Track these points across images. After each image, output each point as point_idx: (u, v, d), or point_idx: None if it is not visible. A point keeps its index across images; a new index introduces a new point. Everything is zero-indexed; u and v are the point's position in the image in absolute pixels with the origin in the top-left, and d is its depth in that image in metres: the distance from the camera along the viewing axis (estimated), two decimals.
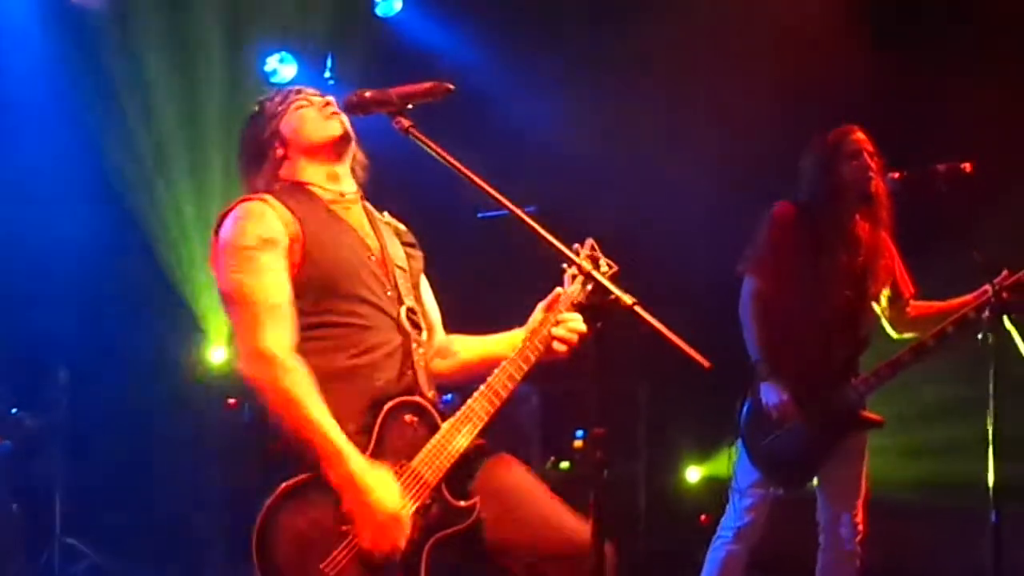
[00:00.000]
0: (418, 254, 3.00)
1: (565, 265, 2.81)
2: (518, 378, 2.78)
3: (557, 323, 2.83)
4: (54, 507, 5.40)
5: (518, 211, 2.52)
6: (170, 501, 5.95)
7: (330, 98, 2.91)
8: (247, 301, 2.65)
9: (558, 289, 2.88)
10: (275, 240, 2.69)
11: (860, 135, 4.16)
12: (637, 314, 2.36)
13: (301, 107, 2.90)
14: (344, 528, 2.57)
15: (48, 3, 5.97)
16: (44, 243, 5.76)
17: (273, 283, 2.66)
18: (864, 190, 4.12)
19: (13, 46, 5.91)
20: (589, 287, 2.64)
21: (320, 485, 2.58)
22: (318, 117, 2.87)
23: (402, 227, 3.02)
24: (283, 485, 2.57)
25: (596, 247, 2.89)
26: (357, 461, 2.57)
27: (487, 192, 2.55)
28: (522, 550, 2.72)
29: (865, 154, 4.12)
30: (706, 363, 2.33)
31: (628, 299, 2.39)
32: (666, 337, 2.33)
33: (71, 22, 6.00)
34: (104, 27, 6.06)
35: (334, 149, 2.88)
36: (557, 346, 2.83)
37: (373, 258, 2.82)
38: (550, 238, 2.51)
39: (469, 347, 3.03)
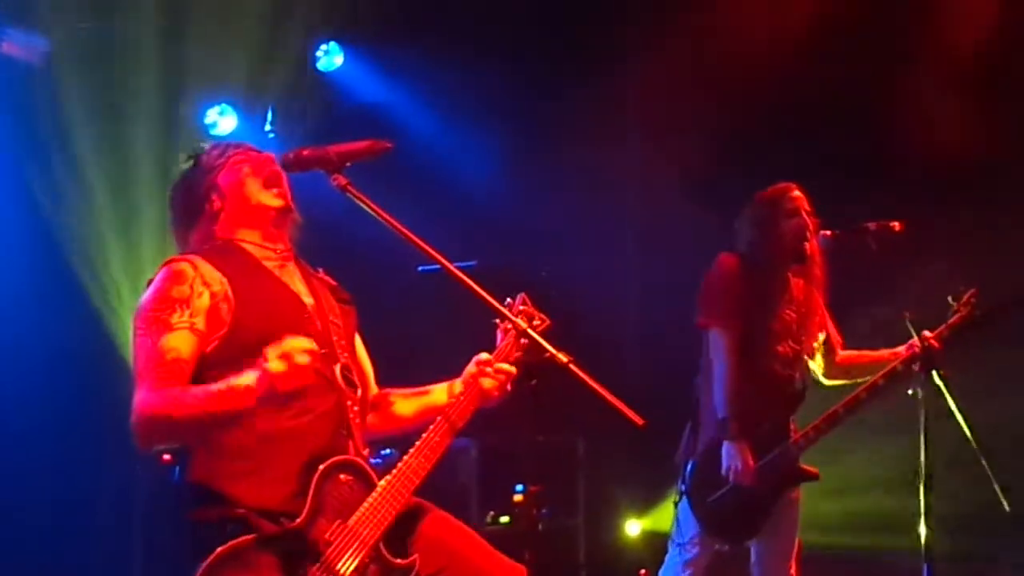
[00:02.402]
0: (352, 310, 3.00)
1: (497, 320, 2.84)
2: (454, 431, 2.78)
3: (487, 374, 2.83)
4: None
5: (451, 267, 2.55)
6: (101, 561, 5.80)
7: (270, 155, 2.90)
8: (140, 364, 2.64)
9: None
10: (189, 300, 2.67)
11: (797, 193, 4.22)
12: (572, 371, 2.38)
13: (241, 163, 2.89)
14: None
15: None
16: None
17: (169, 343, 2.63)
18: (800, 249, 4.18)
19: None
20: (523, 340, 2.66)
21: (255, 548, 2.55)
22: (259, 184, 2.86)
23: (335, 284, 3.02)
24: (219, 549, 2.52)
25: (527, 301, 2.91)
26: (249, 379, 2.53)
27: (422, 248, 2.57)
28: None
29: (803, 212, 4.19)
30: (639, 420, 2.36)
31: (563, 357, 2.42)
32: (600, 394, 2.35)
33: (8, 75, 5.93)
34: (36, 78, 6.00)
35: (273, 219, 2.87)
36: (488, 391, 2.82)
37: (308, 315, 2.81)
38: (483, 293, 2.53)
39: (403, 401, 3.01)
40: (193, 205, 2.89)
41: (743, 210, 4.29)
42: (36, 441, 5.56)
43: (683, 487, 4.18)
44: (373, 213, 2.61)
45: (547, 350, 2.44)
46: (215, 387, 2.56)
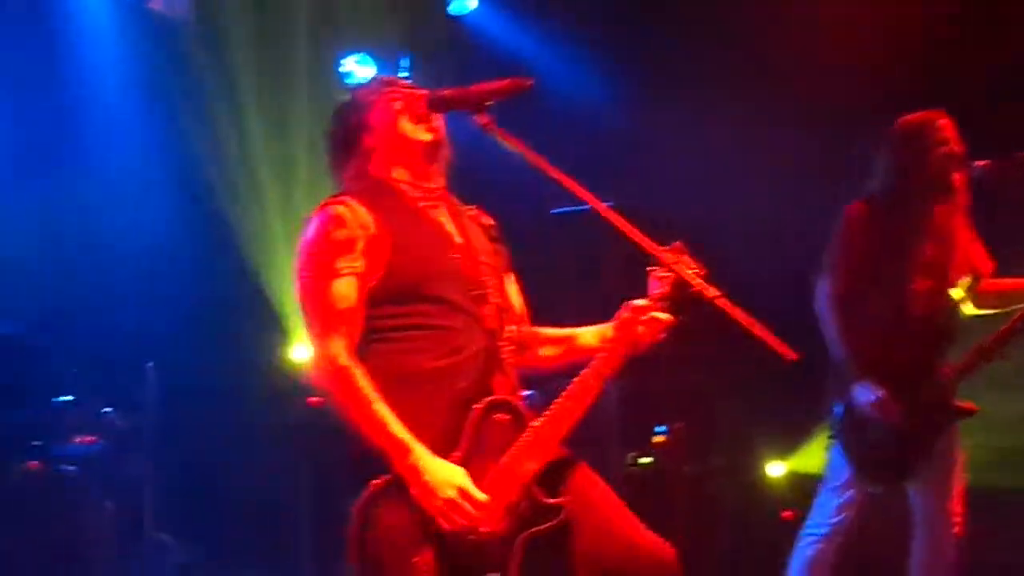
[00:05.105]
0: (504, 249, 3.00)
1: (651, 267, 2.81)
2: (608, 375, 2.78)
3: (643, 321, 2.81)
4: (145, 504, 5.51)
5: (604, 207, 2.53)
6: (257, 497, 6.05)
7: (424, 92, 2.89)
8: (311, 309, 2.70)
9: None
10: (352, 244, 2.71)
11: (945, 121, 4.07)
12: (721, 306, 2.36)
13: (393, 100, 2.90)
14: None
15: (134, 15, 6.12)
16: (134, 246, 5.90)
17: (342, 288, 2.68)
18: (947, 179, 4.05)
19: (103, 58, 6.08)
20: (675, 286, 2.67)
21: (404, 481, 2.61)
22: (411, 120, 2.87)
23: (489, 221, 3.03)
24: (374, 484, 2.60)
25: (683, 248, 2.85)
26: (416, 452, 2.59)
27: (572, 187, 2.56)
28: (597, 559, 2.72)
29: (951, 141, 4.05)
30: (792, 354, 2.32)
31: (712, 291, 2.40)
32: (751, 328, 2.32)
33: (158, 32, 6.15)
34: (189, 35, 6.19)
35: (425, 153, 2.89)
36: (640, 338, 2.81)
37: (458, 256, 2.82)
38: (636, 233, 2.52)
39: (555, 340, 3.02)
40: (347, 141, 2.92)
41: (883, 138, 4.15)
42: (195, 389, 5.82)
43: (834, 431, 4.12)
44: (518, 152, 2.60)
45: (694, 284, 2.42)
46: (390, 422, 2.60)
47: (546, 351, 3.02)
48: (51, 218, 5.86)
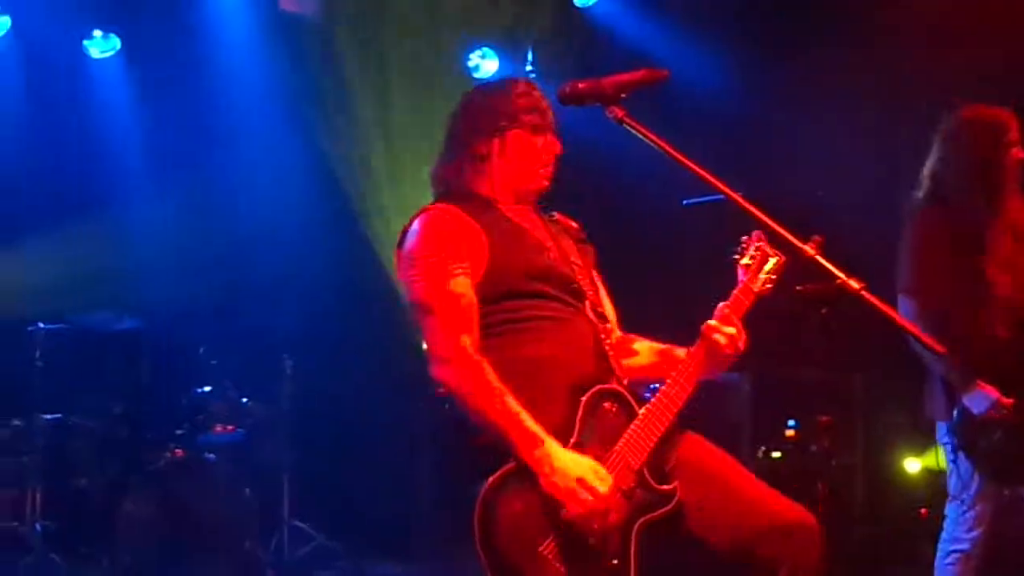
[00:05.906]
0: (589, 249, 3.05)
1: (736, 256, 2.83)
2: (705, 369, 2.77)
3: (718, 330, 2.78)
4: (283, 491, 5.67)
5: (737, 196, 2.51)
6: (389, 484, 6.16)
7: (558, 144, 2.94)
8: (434, 308, 2.74)
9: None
10: (458, 247, 2.77)
11: (1015, 123, 3.92)
12: (866, 299, 2.31)
13: (538, 136, 2.92)
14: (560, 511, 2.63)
15: (265, 15, 6.29)
16: (272, 244, 6.08)
17: (457, 288, 2.73)
18: (1017, 178, 3.90)
19: (239, 59, 6.27)
20: (763, 277, 2.75)
21: (530, 472, 2.63)
22: (540, 164, 2.92)
23: (573, 225, 3.08)
24: (496, 474, 2.63)
25: (763, 237, 2.84)
26: (547, 443, 2.62)
27: (705, 178, 2.53)
28: (728, 529, 2.73)
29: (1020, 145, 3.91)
30: (940, 348, 2.27)
31: (855, 283, 2.36)
32: (897, 322, 2.27)
33: (286, 29, 6.31)
34: (316, 32, 6.34)
35: (531, 195, 2.96)
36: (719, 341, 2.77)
37: (552, 256, 2.88)
38: (771, 222, 2.50)
39: (646, 350, 3.02)
40: (478, 128, 2.92)
41: (952, 132, 3.97)
42: (330, 375, 5.95)
43: (954, 441, 3.94)
44: (653, 144, 2.59)
45: (838, 276, 2.37)
46: (521, 414, 2.63)
47: (641, 361, 3.00)
48: (193, 219, 6.08)
